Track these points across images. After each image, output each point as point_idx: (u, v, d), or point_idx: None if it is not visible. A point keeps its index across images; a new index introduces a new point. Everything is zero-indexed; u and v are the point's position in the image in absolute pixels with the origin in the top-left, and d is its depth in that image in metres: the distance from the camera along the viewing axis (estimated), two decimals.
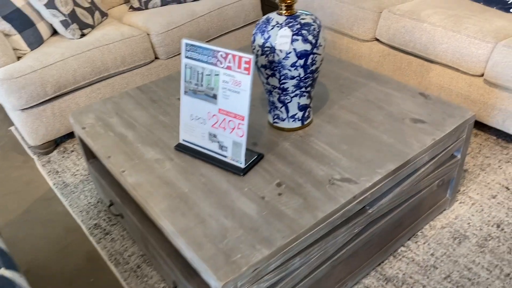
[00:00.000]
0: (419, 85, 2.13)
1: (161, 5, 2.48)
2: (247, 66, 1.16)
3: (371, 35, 2.25)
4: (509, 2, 2.04)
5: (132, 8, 2.50)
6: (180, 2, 2.49)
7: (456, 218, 1.61)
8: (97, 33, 2.18)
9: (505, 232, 1.54)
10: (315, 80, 1.35)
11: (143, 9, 2.48)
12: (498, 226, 1.56)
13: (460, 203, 1.67)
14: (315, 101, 1.56)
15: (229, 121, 1.24)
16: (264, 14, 3.18)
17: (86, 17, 2.22)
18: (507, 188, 1.72)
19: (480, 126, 2.08)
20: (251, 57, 1.15)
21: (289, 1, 1.27)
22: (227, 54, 1.19)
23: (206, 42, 2.48)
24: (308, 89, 1.35)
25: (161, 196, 1.21)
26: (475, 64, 1.85)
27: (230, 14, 2.49)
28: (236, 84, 1.20)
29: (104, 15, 2.39)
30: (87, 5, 2.25)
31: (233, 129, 1.24)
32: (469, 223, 1.59)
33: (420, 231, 1.58)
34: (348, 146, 1.33)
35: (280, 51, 1.24)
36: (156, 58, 2.34)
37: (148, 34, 2.26)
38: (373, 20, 2.20)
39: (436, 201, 1.58)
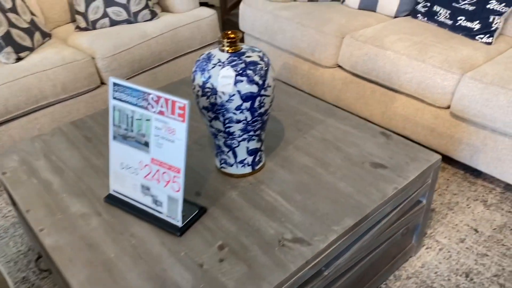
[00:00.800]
0: (383, 116, 2.02)
1: (110, 25, 2.30)
2: (181, 112, 1.00)
3: (333, 62, 2.12)
4: (474, 29, 1.95)
5: (79, 28, 2.31)
6: (131, 22, 2.32)
7: (423, 267, 1.48)
8: (36, 57, 1.98)
9: (474, 282, 1.42)
10: (265, 122, 1.20)
11: (90, 30, 2.29)
12: (467, 276, 1.44)
13: (427, 248, 1.55)
14: (269, 139, 1.41)
15: (163, 173, 1.07)
16: None
17: (23, 39, 2.01)
18: (476, 231, 1.60)
19: (447, 159, 1.97)
20: (186, 102, 0.99)
21: (232, 36, 1.12)
22: (159, 97, 1.03)
23: (159, 65, 2.31)
24: (258, 132, 1.20)
25: (81, 264, 1.03)
26: (441, 96, 1.75)
27: (185, 35, 2.33)
28: (170, 132, 1.03)
29: (46, 36, 2.19)
30: (25, 25, 2.05)
31: (168, 182, 1.07)
32: (436, 272, 1.46)
33: (384, 283, 1.44)
34: (302, 196, 1.18)
35: (223, 93, 1.08)
36: (103, 83, 2.15)
37: (93, 58, 2.08)
38: (335, 45, 2.08)
39: (400, 249, 1.44)
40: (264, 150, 1.37)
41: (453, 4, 2.02)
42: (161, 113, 1.04)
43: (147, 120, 1.06)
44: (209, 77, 1.09)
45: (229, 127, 1.15)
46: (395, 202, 1.22)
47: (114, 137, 1.14)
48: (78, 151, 1.41)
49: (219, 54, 1.11)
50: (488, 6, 1.92)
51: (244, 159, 1.23)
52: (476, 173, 1.88)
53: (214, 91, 1.09)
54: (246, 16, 2.46)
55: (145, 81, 2.27)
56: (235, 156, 1.22)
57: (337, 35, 2.08)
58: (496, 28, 1.92)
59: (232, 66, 1.08)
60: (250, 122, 1.14)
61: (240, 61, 1.09)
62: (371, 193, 1.19)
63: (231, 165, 1.25)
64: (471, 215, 1.67)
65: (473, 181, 1.83)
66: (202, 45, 2.43)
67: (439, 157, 1.31)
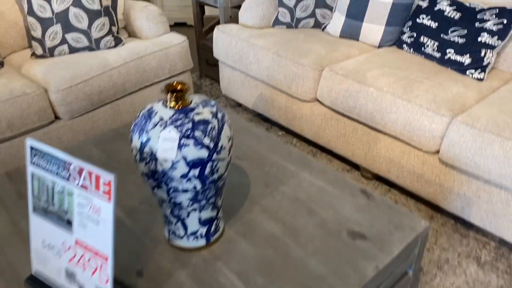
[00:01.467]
0: (366, 156, 1.83)
1: (70, 53, 2.10)
2: (107, 189, 0.80)
3: (311, 96, 1.94)
4: (464, 63, 1.79)
5: (35, 56, 2.10)
6: (92, 50, 2.12)
7: None
8: None
9: None
10: (221, 188, 1.00)
11: (47, 57, 2.09)
12: None
13: None
14: (231, 196, 1.21)
15: (89, 258, 0.87)
16: (200, 63, 2.85)
17: None
18: None
19: (436, 206, 1.79)
20: (112, 178, 0.79)
21: (180, 88, 0.93)
22: (81, 168, 0.83)
23: (123, 97, 2.11)
24: (212, 200, 1.00)
25: None
26: (429, 140, 1.57)
27: (151, 65, 2.13)
28: (95, 211, 0.83)
29: None
30: None
31: (95, 270, 0.87)
32: None
33: None
34: (264, 279, 0.98)
35: (164, 159, 0.88)
36: (58, 118, 1.94)
37: (46, 91, 1.87)
38: (314, 79, 1.90)
39: None
40: (223, 215, 1.17)
41: (441, 35, 1.86)
42: (84, 187, 0.83)
43: (69, 194, 0.86)
44: (148, 139, 0.89)
45: (175, 196, 0.95)
46: (376, 282, 1.03)
47: (34, 209, 0.93)
48: (7, 212, 1.20)
49: (162, 111, 0.91)
50: (479, 39, 1.76)
51: (197, 231, 1.03)
52: (468, 224, 1.70)
53: (153, 156, 0.89)
54: (220, 43, 2.28)
55: (106, 115, 2.06)
56: (185, 227, 1.02)
57: (316, 68, 1.90)
58: (488, 63, 1.76)
59: (177, 127, 0.88)
60: (200, 190, 0.94)
61: (187, 120, 0.89)
62: (348, 275, 0.99)
63: (181, 237, 1.04)
64: (463, 276, 1.48)
65: (464, 233, 1.65)
66: (172, 74, 2.24)
67: (427, 224, 1.13)
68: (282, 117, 2.15)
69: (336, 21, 2.19)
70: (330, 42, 2.12)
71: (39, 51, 2.08)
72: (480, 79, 1.76)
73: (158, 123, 0.89)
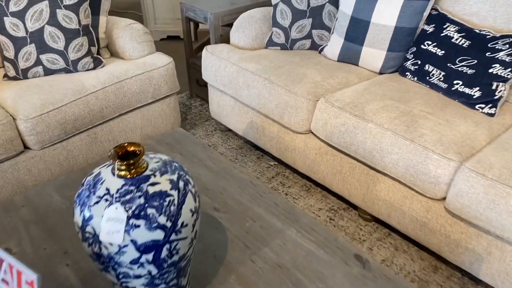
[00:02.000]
0: (364, 198, 1.66)
1: (45, 75, 1.94)
2: None
3: (305, 128, 1.78)
4: (474, 96, 1.62)
5: (7, 77, 1.94)
6: (69, 72, 1.96)
7: None
8: None
9: None
10: (185, 267, 0.84)
11: (20, 79, 1.93)
12: None
13: None
14: (204, 260, 1.04)
15: None
16: (190, 82, 2.68)
17: None
18: None
19: (441, 257, 1.62)
20: (34, 278, 0.62)
21: (132, 149, 0.76)
22: (1, 260, 0.66)
23: (100, 124, 1.94)
24: (174, 282, 0.83)
25: None
26: (434, 186, 1.40)
27: (132, 89, 1.97)
28: None
29: None
30: None
31: None
32: None
33: None
34: None
35: (110, 243, 0.72)
36: (27, 148, 1.77)
37: (14, 119, 1.71)
38: (308, 110, 1.74)
39: None
40: (194, 283, 1.00)
41: (448, 64, 1.69)
42: (5, 282, 0.67)
43: None
44: (91, 217, 0.72)
45: (127, 282, 0.78)
46: None
47: None
48: None
49: (110, 180, 0.75)
50: (490, 70, 1.59)
51: None
52: (477, 278, 1.52)
53: (97, 238, 0.72)
54: (209, 65, 2.12)
55: (82, 143, 1.90)
56: None
57: (310, 98, 1.73)
58: (500, 97, 1.59)
59: (125, 203, 0.72)
60: (157, 275, 0.78)
61: (139, 194, 0.73)
62: None
63: None
64: None
65: None
66: (155, 98, 2.07)
67: None
68: (274, 148, 1.99)
69: (334, 44, 2.02)
70: (327, 66, 1.96)
71: (12, 72, 1.92)
72: (491, 115, 1.59)
73: (103, 197, 0.72)
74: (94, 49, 2.01)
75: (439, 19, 1.79)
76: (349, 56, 1.99)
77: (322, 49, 2.12)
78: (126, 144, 0.76)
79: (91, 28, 2.01)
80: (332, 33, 2.08)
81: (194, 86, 2.67)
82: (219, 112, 2.24)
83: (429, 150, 1.41)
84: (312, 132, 1.79)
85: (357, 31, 1.91)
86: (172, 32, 3.60)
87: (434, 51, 1.74)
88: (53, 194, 1.28)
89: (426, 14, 1.82)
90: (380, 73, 1.94)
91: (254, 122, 2.03)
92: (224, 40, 2.36)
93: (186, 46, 2.55)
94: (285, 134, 1.90)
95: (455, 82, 1.67)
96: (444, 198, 1.42)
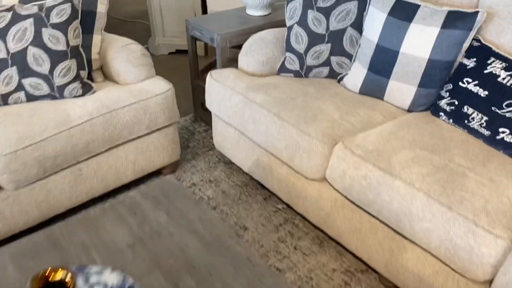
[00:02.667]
0: (387, 265, 1.40)
1: (27, 101, 1.73)
2: None
3: (319, 175, 1.52)
4: None
5: None
6: (55, 98, 1.74)
7: None
8: None
9: None
10: None
11: (1, 105, 1.71)
12: None
13: None
14: None
15: None
16: (195, 105, 2.44)
17: None
18: None
19: None
20: None
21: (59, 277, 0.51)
22: None
23: (86, 159, 1.72)
24: None
25: None
26: (477, 266, 1.13)
27: (124, 120, 1.74)
28: None
29: None
30: None
31: None
32: None
33: None
34: None
35: None
36: (0, 188, 1.56)
37: None
38: (323, 154, 1.48)
39: None
40: None
41: (493, 108, 1.42)
42: None
43: None
44: None
45: None
46: None
47: None
48: None
49: None
50: None
51: None
52: None
53: None
54: (213, 93, 1.88)
55: (64, 181, 1.67)
56: None
57: (326, 141, 1.48)
58: None
59: None
60: None
61: None
62: None
63: None
64: None
65: None
66: (151, 129, 1.84)
67: None
68: (283, 191, 1.73)
69: (356, 74, 1.77)
70: (347, 100, 1.70)
71: None
72: None
73: None
74: (83, 73, 1.78)
75: (482, 52, 1.52)
76: (373, 89, 1.73)
77: (341, 78, 1.86)
78: (48, 271, 0.52)
79: (81, 50, 1.79)
80: (354, 61, 1.82)
81: (199, 109, 2.44)
82: (223, 144, 2.00)
83: (470, 221, 1.14)
84: (327, 180, 1.54)
85: (384, 61, 1.65)
86: (182, 46, 3.38)
87: (475, 90, 1.47)
88: (8, 264, 1.05)
89: (466, 45, 1.55)
90: (409, 110, 1.68)
91: (260, 160, 1.79)
92: (233, 63, 2.12)
93: (191, 66, 2.32)
94: (296, 179, 1.64)
95: (500, 130, 1.40)
96: (490, 283, 1.15)
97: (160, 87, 1.84)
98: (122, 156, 1.81)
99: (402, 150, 1.38)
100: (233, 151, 1.94)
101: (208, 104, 1.94)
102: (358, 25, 1.83)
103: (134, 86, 1.84)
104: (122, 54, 1.87)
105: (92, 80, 1.89)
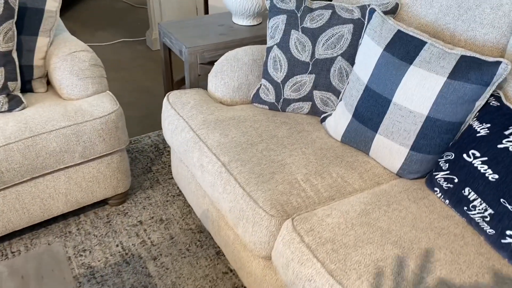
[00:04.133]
0: None
1: None
2: None
3: (264, 252, 1.18)
4: None
5: None
6: None
7: None
8: None
9: None
10: None
11: None
12: None
13: None
14: None
15: None
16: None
17: None
18: None
19: None
20: None
21: None
22: None
23: (1, 190, 1.44)
24: None
25: None
26: None
27: (50, 147, 1.44)
28: None
29: None
30: None
31: None
32: None
33: None
34: None
35: None
36: None
37: None
38: (269, 230, 1.14)
39: None
40: None
41: (502, 200, 1.03)
42: None
43: None
44: None
45: None
46: None
47: None
48: None
49: None
50: None
51: None
52: None
53: None
54: (166, 121, 1.56)
55: None
56: None
57: (274, 214, 1.13)
58: None
59: None
60: None
61: None
62: None
63: None
64: None
65: None
66: (87, 158, 1.54)
67: None
68: (230, 256, 1.41)
69: (340, 117, 1.40)
70: (323, 151, 1.34)
71: None
72: None
73: None
74: (13, 85, 1.50)
75: (501, 117, 1.12)
76: (357, 140, 1.36)
77: (324, 118, 1.50)
78: None
79: (13, 56, 1.50)
80: (340, 100, 1.45)
81: None
82: (179, 179, 1.68)
83: None
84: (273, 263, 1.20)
85: (372, 109, 1.28)
86: None
87: (482, 170, 1.09)
88: None
89: (480, 104, 1.16)
90: (398, 174, 1.31)
91: (210, 213, 1.46)
92: (204, 81, 1.79)
93: (164, 78, 2.00)
94: (242, 248, 1.31)
95: (508, 233, 1.01)
96: None
97: (103, 108, 1.53)
98: (50, 186, 1.52)
99: (367, 245, 1.03)
100: (186, 190, 1.63)
101: (163, 131, 1.62)
102: (350, 55, 1.45)
103: (74, 104, 1.54)
104: (66, 64, 1.57)
105: (32, 90, 1.61)
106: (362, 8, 1.47)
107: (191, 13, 2.91)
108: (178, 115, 1.50)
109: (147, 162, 2.00)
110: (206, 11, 2.91)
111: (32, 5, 1.59)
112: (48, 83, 1.67)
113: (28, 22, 1.57)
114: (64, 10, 3.71)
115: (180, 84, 2.09)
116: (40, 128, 1.42)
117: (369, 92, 1.29)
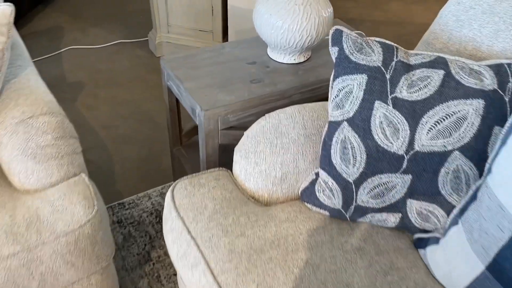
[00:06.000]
0: None
1: None
2: None
3: None
4: None
5: None
6: None
7: None
8: None
9: None
10: None
11: None
12: None
13: None
14: None
15: None
16: (175, 176, 1.58)
17: None
18: None
19: None
20: None
21: None
22: None
23: None
24: None
25: None
26: None
27: None
28: None
29: None
30: None
31: None
32: None
33: None
34: None
35: None
36: None
37: None
38: None
39: None
40: None
41: None
42: None
43: None
44: None
45: None
46: None
47: None
48: None
49: None
50: None
51: None
52: None
53: None
54: (170, 240, 1.00)
55: None
56: None
57: None
58: None
59: None
60: None
61: None
62: None
63: None
64: None
65: None
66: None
67: None
68: None
69: (455, 254, 0.85)
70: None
71: None
72: None
73: None
74: None
75: None
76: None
77: (423, 243, 0.94)
78: None
79: None
80: (455, 223, 0.88)
81: None
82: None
83: None
84: None
85: None
86: (191, 48, 2.46)
87: None
88: None
89: None
90: None
91: None
92: (229, 152, 1.22)
93: (169, 129, 1.43)
94: None
95: None
96: None
97: (73, 214, 0.97)
98: None
99: None
100: None
101: (166, 242, 1.06)
102: (476, 151, 0.87)
103: (28, 205, 0.99)
104: (17, 139, 1.01)
105: None
106: (499, 70, 0.88)
107: (205, 14, 2.29)
108: (189, 234, 0.94)
109: (145, 244, 1.46)
110: (225, 12, 2.29)
111: None
112: None
113: None
114: None
115: (191, 135, 1.51)
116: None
117: None
